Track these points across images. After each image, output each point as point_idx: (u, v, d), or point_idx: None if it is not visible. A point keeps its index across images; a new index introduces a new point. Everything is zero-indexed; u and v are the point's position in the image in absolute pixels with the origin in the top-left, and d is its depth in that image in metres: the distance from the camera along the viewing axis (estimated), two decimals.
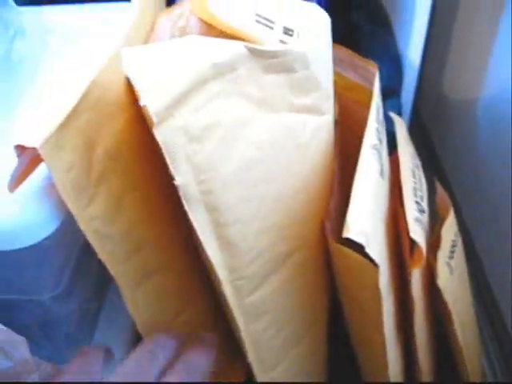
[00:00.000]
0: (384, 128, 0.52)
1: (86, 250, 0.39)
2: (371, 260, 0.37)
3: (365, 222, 0.36)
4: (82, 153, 0.33)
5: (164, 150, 0.31)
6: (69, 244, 0.42)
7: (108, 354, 0.34)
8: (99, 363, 0.33)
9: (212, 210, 0.34)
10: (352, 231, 0.35)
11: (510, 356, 0.68)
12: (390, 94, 0.72)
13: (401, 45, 0.77)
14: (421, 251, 0.45)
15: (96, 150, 0.34)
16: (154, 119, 0.30)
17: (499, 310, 0.72)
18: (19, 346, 0.35)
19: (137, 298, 0.41)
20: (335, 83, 0.60)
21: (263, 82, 0.36)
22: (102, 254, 0.37)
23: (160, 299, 0.43)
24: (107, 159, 0.36)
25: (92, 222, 0.35)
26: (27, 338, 0.35)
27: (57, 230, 0.37)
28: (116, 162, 0.36)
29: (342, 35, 0.49)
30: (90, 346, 0.35)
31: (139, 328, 0.42)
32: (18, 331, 0.35)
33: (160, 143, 0.31)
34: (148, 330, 0.43)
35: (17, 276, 0.40)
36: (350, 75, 0.58)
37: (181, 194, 0.33)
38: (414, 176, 0.53)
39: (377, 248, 0.37)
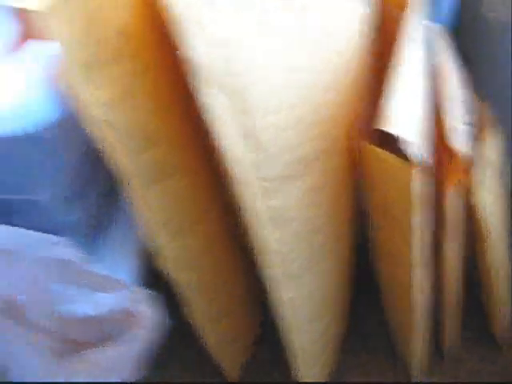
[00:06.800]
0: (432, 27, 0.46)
1: (92, 156, 0.37)
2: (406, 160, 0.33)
3: (405, 116, 0.33)
4: (93, 30, 0.30)
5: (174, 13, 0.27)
6: (70, 142, 0.39)
7: None
8: None
9: (232, 93, 0.30)
10: (393, 125, 0.31)
11: None
12: None
13: None
14: (460, 161, 0.41)
15: (108, 28, 0.31)
16: None
17: None
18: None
19: (149, 198, 0.38)
20: None
21: None
22: (113, 143, 0.34)
23: (174, 205, 0.40)
24: (120, 39, 0.32)
25: (101, 109, 0.32)
26: None
27: (58, 121, 0.35)
28: (128, 43, 0.33)
29: None
30: None
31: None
32: None
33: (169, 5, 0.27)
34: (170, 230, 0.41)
35: (13, 171, 0.37)
36: None
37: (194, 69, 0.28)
38: (459, 87, 0.48)
39: (416, 146, 0.33)
